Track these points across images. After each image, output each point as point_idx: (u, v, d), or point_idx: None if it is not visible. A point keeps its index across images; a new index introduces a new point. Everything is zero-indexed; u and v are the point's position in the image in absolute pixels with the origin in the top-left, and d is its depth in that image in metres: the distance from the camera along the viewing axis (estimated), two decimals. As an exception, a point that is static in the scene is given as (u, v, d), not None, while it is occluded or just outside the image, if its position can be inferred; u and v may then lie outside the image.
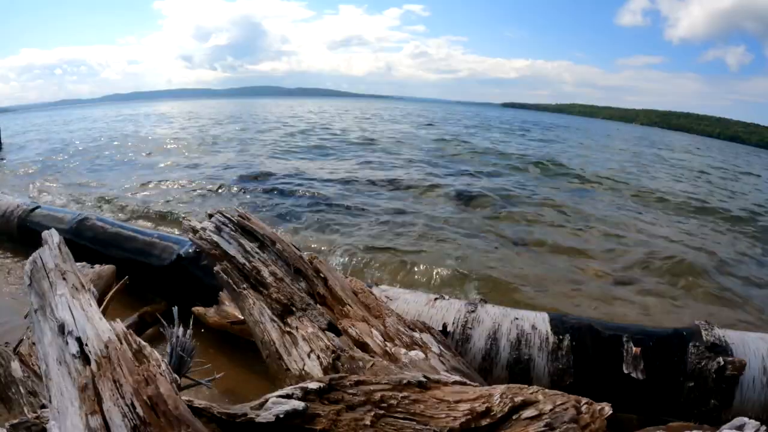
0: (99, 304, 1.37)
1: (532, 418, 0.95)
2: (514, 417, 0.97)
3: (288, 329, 1.55)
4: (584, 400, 0.99)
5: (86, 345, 1.09)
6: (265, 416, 0.99)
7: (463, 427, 0.97)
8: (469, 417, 0.98)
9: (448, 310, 2.03)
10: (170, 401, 0.95)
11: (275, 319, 1.60)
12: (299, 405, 1.01)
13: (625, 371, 1.74)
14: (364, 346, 1.49)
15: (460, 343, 1.91)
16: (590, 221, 5.86)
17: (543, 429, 0.93)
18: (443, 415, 0.99)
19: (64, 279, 1.32)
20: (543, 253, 4.59)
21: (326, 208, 5.76)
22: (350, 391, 1.07)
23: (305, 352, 1.46)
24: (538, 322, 1.94)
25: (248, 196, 6.47)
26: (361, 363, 1.37)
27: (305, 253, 1.86)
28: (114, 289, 2.46)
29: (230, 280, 1.74)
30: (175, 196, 6.43)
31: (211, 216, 1.92)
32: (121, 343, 1.09)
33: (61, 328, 1.15)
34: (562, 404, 0.97)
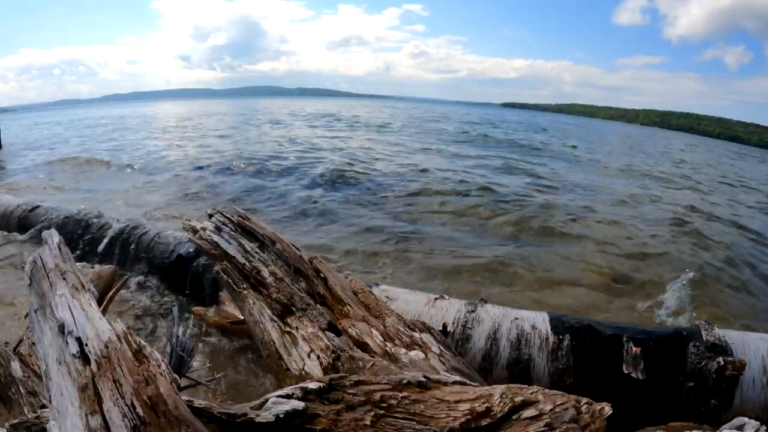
0: (99, 304, 1.37)
1: (532, 418, 0.95)
2: (514, 417, 0.97)
3: (288, 329, 1.55)
4: (584, 400, 0.98)
5: (86, 345, 1.09)
6: (265, 416, 0.99)
7: (463, 427, 0.97)
8: (469, 417, 0.98)
9: (448, 310, 2.03)
10: (170, 401, 0.95)
11: (275, 319, 1.59)
12: (299, 405, 1.01)
13: (625, 371, 1.74)
14: (364, 346, 1.49)
15: (460, 343, 1.91)
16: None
17: (543, 429, 0.93)
18: (443, 415, 0.99)
19: (64, 279, 1.32)
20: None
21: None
22: (350, 391, 1.07)
23: (305, 352, 1.46)
24: (538, 322, 1.94)
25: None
26: (361, 363, 1.37)
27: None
28: (114, 289, 2.46)
29: (230, 280, 1.74)
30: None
31: (211, 216, 1.91)
32: (121, 343, 1.09)
33: (61, 328, 1.14)
34: (562, 404, 0.96)
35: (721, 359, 1.69)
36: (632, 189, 8.84)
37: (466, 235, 5.07)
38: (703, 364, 1.71)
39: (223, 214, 1.90)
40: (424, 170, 8.72)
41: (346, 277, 1.90)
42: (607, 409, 0.96)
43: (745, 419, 1.05)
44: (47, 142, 13.72)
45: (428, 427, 0.98)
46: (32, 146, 12.72)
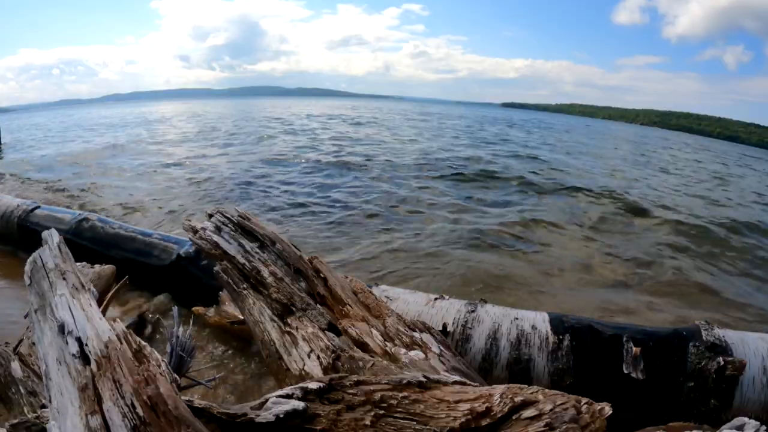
0: (99, 304, 1.37)
1: (532, 418, 0.95)
2: (514, 417, 0.97)
3: (288, 329, 1.55)
4: (584, 400, 0.99)
5: (86, 345, 1.09)
6: (265, 416, 0.99)
7: (463, 427, 0.97)
8: (469, 417, 0.98)
9: (448, 310, 2.02)
10: (170, 401, 0.95)
11: (275, 319, 1.60)
12: (299, 405, 1.01)
13: (625, 371, 1.74)
14: (364, 346, 1.49)
15: (460, 343, 1.91)
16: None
17: (543, 429, 0.93)
18: (443, 415, 0.99)
19: (64, 279, 1.32)
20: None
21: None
22: (350, 391, 1.07)
23: (305, 352, 1.46)
24: (538, 322, 1.94)
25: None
26: (361, 363, 1.37)
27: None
28: (114, 289, 2.45)
29: (230, 280, 1.74)
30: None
31: (211, 216, 1.91)
32: (121, 343, 1.09)
33: (61, 328, 1.14)
34: (562, 404, 0.97)
35: (721, 359, 1.69)
36: None
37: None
38: (703, 364, 1.71)
39: (223, 214, 1.90)
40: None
41: (346, 277, 1.90)
42: (607, 409, 0.96)
43: (745, 419, 1.05)
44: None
45: (428, 427, 0.98)
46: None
